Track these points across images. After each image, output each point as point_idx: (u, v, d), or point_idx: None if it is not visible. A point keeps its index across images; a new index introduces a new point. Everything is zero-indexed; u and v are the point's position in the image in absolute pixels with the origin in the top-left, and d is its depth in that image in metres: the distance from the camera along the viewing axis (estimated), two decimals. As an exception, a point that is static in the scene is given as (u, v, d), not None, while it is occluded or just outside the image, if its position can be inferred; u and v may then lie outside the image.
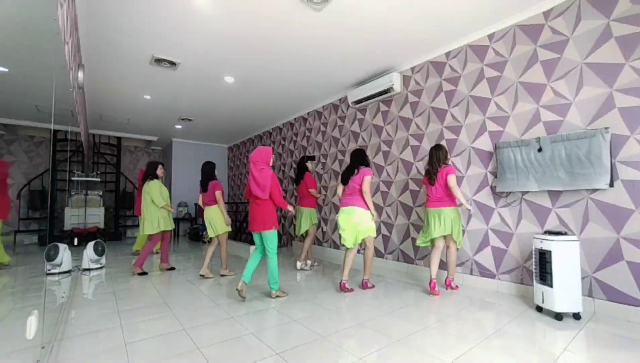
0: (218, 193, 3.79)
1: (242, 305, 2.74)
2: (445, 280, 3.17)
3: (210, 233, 3.83)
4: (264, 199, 2.89)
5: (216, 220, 3.81)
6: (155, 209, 4.00)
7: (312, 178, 4.32)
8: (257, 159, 2.93)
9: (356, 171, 3.19)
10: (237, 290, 2.83)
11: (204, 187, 3.87)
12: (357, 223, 3.10)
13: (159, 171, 4.19)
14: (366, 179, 3.11)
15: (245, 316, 2.47)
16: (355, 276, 3.71)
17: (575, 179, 2.56)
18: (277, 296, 2.94)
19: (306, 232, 4.35)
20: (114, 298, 2.99)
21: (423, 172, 3.85)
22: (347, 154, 5.03)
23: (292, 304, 2.79)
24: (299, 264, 4.25)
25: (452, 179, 2.94)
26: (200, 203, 3.97)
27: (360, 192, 3.12)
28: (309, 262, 4.33)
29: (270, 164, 3.00)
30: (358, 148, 3.51)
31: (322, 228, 5.51)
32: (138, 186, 5.41)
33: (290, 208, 3.10)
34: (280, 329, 2.23)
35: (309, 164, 4.36)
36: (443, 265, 3.34)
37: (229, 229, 3.89)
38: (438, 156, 3.06)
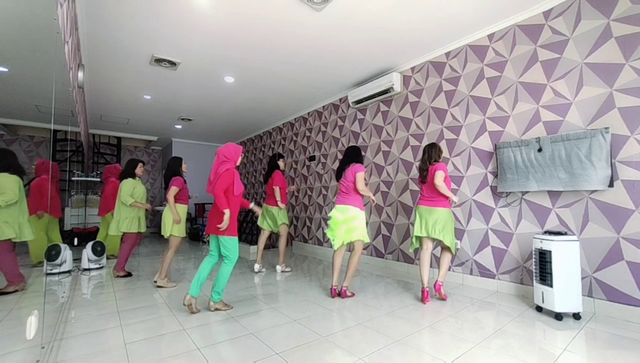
0: (172, 189, 3.36)
1: (242, 306, 2.74)
2: (435, 284, 2.89)
3: (163, 231, 3.44)
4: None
5: (168, 220, 3.39)
6: (125, 210, 3.77)
7: (281, 177, 4.14)
8: (224, 154, 2.62)
9: (347, 166, 3.03)
10: (184, 304, 2.53)
11: (165, 183, 3.55)
12: (349, 218, 2.91)
13: (139, 169, 3.91)
14: (359, 176, 2.90)
15: (245, 317, 2.47)
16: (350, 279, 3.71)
17: (575, 179, 2.56)
18: (217, 309, 2.59)
19: (277, 232, 4.19)
20: (114, 298, 2.99)
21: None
22: (347, 154, 5.02)
23: (292, 304, 2.79)
24: (278, 268, 4.10)
25: (438, 176, 2.74)
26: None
27: (355, 190, 2.95)
28: (282, 267, 4.15)
29: (237, 164, 2.68)
30: (353, 145, 3.41)
31: (322, 228, 5.51)
32: (104, 184, 5.08)
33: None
34: (280, 329, 2.23)
35: (280, 163, 4.20)
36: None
37: (183, 234, 3.46)
38: (430, 153, 2.91)
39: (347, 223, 2.94)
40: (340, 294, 2.98)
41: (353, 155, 3.09)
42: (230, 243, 2.57)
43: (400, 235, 4.11)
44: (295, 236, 6.20)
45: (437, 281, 2.88)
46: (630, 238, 2.36)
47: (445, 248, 2.92)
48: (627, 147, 2.40)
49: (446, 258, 2.90)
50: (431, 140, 3.78)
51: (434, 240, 2.90)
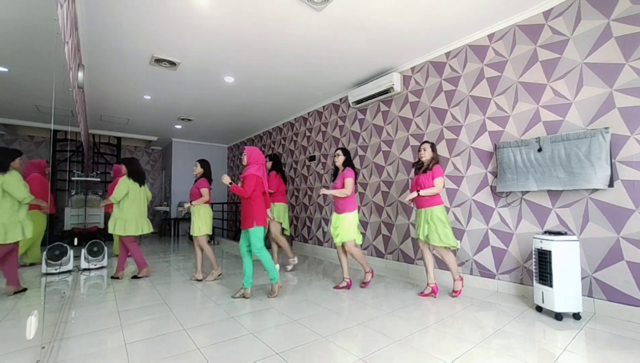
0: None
1: (242, 305, 2.75)
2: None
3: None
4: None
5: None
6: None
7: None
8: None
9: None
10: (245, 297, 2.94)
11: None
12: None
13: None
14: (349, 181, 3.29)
15: (245, 316, 2.48)
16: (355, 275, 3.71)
17: (575, 179, 2.56)
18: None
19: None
20: (114, 298, 2.99)
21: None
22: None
23: (292, 304, 2.79)
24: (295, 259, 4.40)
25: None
26: None
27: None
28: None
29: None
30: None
31: (322, 228, 5.51)
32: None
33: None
34: (280, 329, 2.23)
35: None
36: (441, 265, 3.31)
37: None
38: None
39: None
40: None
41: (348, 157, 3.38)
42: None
43: (401, 235, 4.11)
44: (295, 236, 6.20)
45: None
46: (630, 238, 2.36)
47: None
48: (627, 147, 2.40)
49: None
50: (431, 140, 3.78)
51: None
